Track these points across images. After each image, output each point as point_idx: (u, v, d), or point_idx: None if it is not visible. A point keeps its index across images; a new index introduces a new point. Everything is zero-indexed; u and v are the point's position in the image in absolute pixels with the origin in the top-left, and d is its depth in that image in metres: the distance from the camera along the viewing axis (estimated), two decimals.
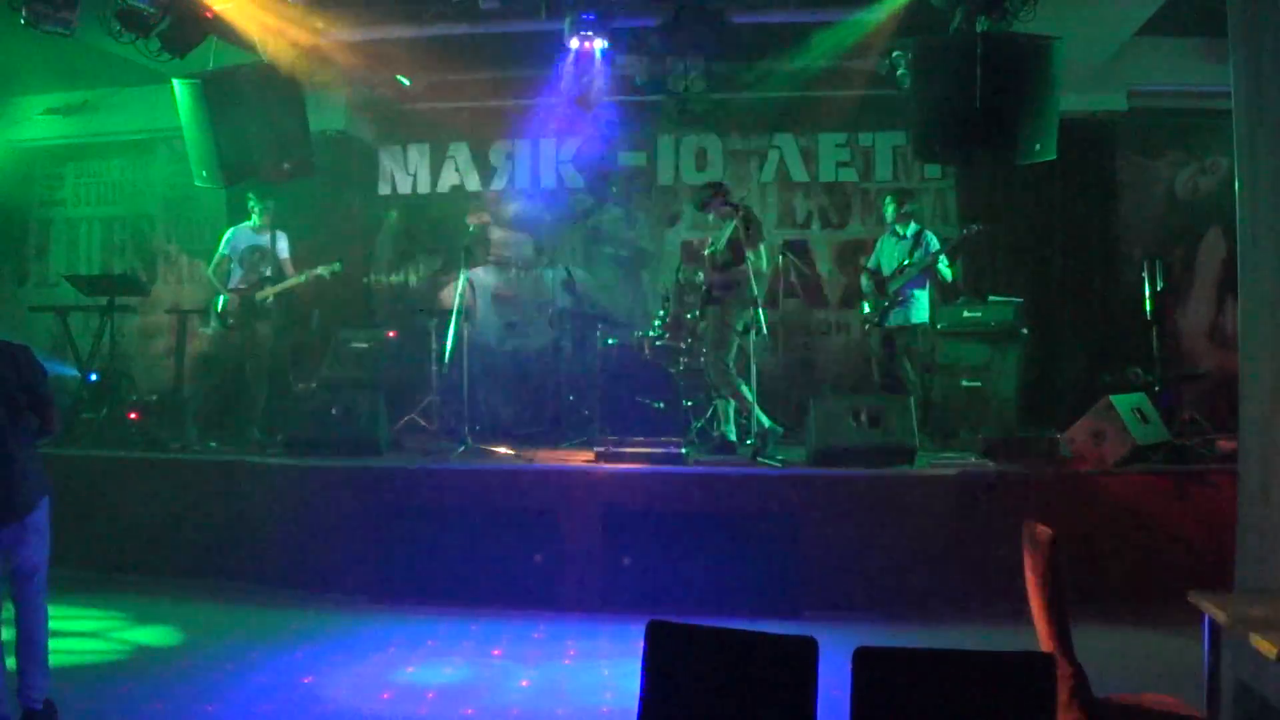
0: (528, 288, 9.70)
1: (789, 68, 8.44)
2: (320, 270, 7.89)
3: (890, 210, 8.20)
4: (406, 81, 8.63)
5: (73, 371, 8.43)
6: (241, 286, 7.94)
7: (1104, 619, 5.43)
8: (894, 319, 7.91)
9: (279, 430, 7.40)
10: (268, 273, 7.93)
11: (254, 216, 8.04)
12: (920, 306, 7.92)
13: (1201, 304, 8.98)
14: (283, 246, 8.07)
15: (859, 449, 6.48)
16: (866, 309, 8.16)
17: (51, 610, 4.21)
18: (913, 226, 8.06)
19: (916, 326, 7.92)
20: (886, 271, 8.04)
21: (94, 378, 8.35)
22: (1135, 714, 3.09)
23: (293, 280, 7.95)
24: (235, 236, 8.05)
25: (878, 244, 8.32)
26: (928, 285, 7.99)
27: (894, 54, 7.81)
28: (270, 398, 8.02)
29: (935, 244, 7.99)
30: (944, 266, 7.95)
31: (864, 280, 8.19)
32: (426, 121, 9.59)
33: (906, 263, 7.89)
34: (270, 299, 7.91)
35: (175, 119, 7.44)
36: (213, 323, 8.10)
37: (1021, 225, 9.03)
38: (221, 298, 7.94)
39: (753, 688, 2.54)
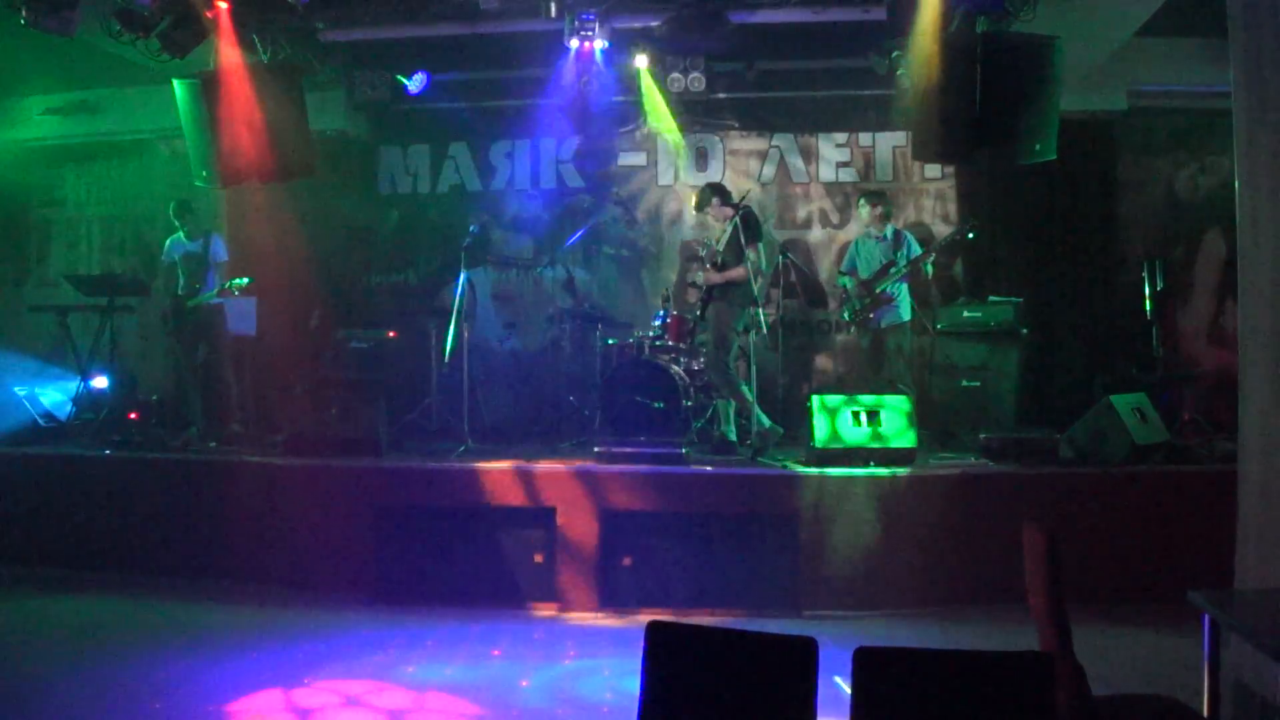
0: (528, 288, 9.70)
1: (789, 67, 8.45)
2: (228, 284, 7.90)
3: (865, 212, 8.18)
4: (407, 81, 8.62)
5: (73, 381, 8.45)
6: (182, 293, 8.04)
7: (1104, 619, 5.44)
8: (886, 319, 7.90)
9: (277, 429, 7.40)
10: (208, 278, 8.01)
11: (178, 231, 8.18)
12: (906, 305, 7.94)
13: (1201, 304, 8.97)
14: (217, 251, 8.16)
15: (859, 449, 6.48)
16: (848, 313, 8.14)
17: (52, 609, 4.21)
18: (890, 227, 8.05)
19: (905, 324, 7.93)
20: (866, 274, 8.02)
21: (106, 382, 8.37)
22: (1135, 714, 3.09)
23: (208, 295, 8.02)
24: (171, 246, 8.25)
25: (852, 247, 8.32)
26: (907, 283, 7.99)
27: (894, 54, 7.81)
28: (260, 395, 8.06)
29: (915, 242, 8.00)
30: (928, 264, 7.97)
31: (848, 284, 8.14)
32: (426, 121, 9.59)
33: (892, 263, 7.86)
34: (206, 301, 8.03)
35: (175, 119, 7.45)
36: (170, 323, 8.19)
37: (1021, 225, 9.03)
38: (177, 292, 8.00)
39: (753, 688, 2.54)
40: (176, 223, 8.20)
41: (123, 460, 7.23)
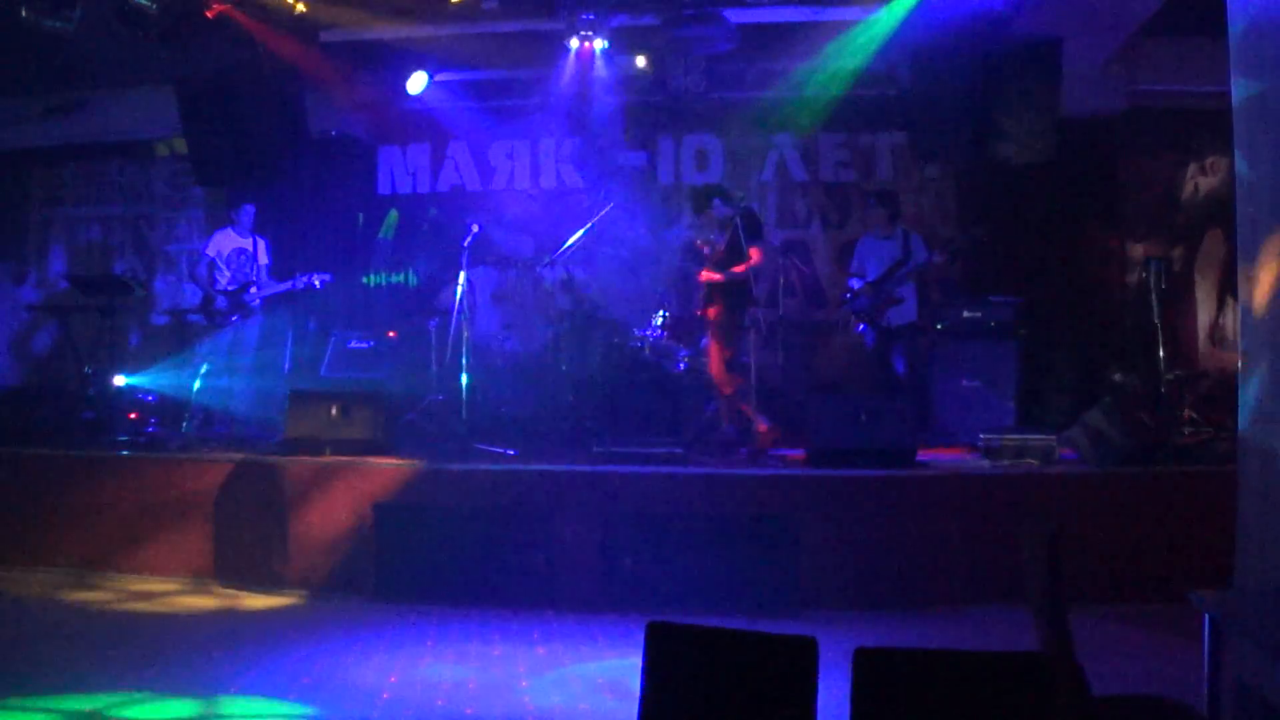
0: (528, 288, 9.69)
1: (789, 67, 8.46)
2: (311, 277, 7.98)
3: (877, 212, 8.20)
4: (409, 83, 8.64)
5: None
6: (231, 288, 8.00)
7: (1104, 619, 5.43)
8: (895, 319, 7.91)
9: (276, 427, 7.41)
10: (252, 275, 8.00)
11: (236, 222, 8.15)
12: (911, 304, 7.95)
13: (1201, 304, 8.97)
14: (263, 252, 8.15)
15: (859, 449, 6.48)
16: (857, 314, 8.16)
17: (52, 609, 4.20)
18: (898, 228, 8.06)
19: (912, 325, 7.93)
20: (874, 274, 8.02)
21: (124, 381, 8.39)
22: (1135, 714, 3.09)
23: (284, 287, 8.10)
24: (217, 239, 8.14)
25: (859, 248, 8.33)
26: (914, 283, 8.00)
27: (894, 54, 7.82)
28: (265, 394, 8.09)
29: (922, 243, 8.01)
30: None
31: (857, 284, 8.16)
32: (426, 121, 9.59)
33: (901, 263, 7.87)
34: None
35: (175, 119, 7.46)
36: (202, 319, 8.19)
37: (1022, 225, 9.03)
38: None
39: (753, 688, 2.54)
40: (235, 214, 8.14)
41: (122, 459, 7.22)
